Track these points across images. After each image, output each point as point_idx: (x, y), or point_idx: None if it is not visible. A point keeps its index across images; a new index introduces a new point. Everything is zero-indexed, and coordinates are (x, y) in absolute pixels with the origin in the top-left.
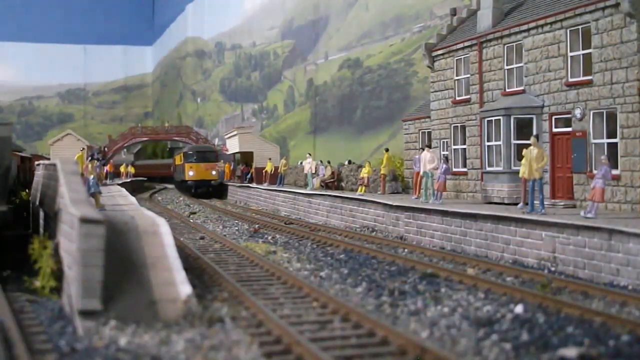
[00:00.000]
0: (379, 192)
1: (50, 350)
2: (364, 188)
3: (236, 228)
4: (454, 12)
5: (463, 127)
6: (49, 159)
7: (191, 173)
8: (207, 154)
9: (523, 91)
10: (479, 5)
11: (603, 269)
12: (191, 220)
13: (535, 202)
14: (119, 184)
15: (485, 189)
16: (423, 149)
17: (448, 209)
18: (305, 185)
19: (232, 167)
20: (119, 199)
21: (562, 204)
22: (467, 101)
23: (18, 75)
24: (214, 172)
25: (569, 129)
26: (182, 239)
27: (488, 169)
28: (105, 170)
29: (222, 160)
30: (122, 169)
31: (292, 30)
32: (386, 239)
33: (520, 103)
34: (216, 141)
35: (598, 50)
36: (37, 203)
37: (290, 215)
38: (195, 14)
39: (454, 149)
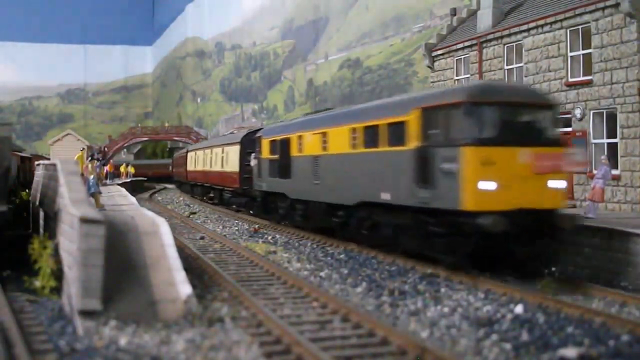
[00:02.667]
0: None
1: (50, 350)
2: None
3: (236, 228)
4: (454, 12)
5: None
6: (49, 159)
7: (486, 186)
8: (537, 114)
9: None
10: (479, 5)
11: (603, 269)
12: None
13: None
14: (118, 184)
15: None
16: None
17: None
18: None
19: None
20: (119, 199)
21: None
22: None
23: (18, 75)
24: (561, 185)
25: (569, 129)
26: (182, 239)
27: None
28: (105, 170)
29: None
30: (122, 169)
31: (292, 30)
32: None
33: None
34: None
35: (598, 50)
36: (37, 203)
37: None
38: (195, 14)
39: None
